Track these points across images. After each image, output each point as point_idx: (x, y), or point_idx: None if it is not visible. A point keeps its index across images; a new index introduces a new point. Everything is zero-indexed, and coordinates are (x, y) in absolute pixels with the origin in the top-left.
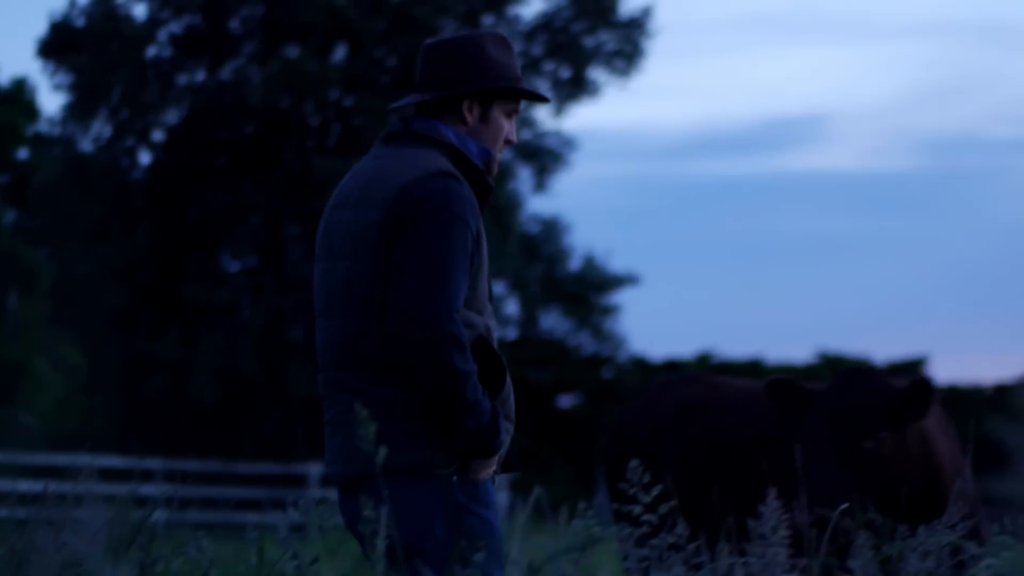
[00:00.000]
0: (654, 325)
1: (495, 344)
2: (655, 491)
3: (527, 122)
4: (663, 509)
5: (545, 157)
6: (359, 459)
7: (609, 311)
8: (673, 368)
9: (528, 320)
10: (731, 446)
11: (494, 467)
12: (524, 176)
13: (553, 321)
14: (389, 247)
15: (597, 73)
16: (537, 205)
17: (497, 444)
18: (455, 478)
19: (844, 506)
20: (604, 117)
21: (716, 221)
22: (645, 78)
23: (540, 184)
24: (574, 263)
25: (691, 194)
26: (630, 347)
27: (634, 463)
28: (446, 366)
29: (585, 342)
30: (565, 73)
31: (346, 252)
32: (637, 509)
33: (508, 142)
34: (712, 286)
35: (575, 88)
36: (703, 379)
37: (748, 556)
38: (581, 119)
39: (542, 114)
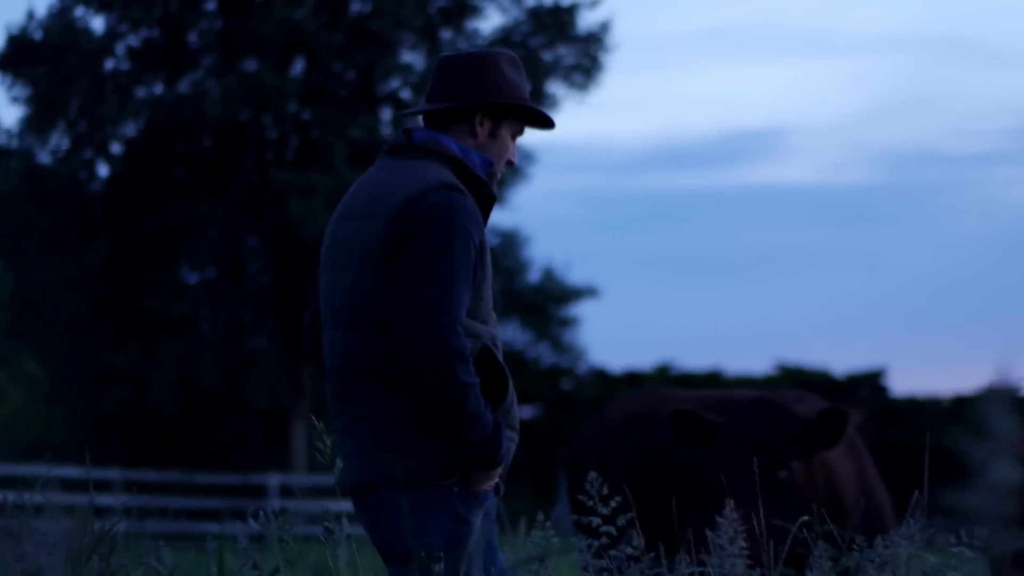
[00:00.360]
0: (614, 337)
1: (500, 354)
2: (613, 503)
3: None
4: (622, 521)
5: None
6: (364, 469)
7: (568, 323)
8: (633, 379)
9: None
10: (671, 455)
11: (495, 479)
12: None
13: (512, 333)
14: (392, 259)
15: (556, 87)
16: (496, 218)
17: (499, 457)
18: (456, 489)
19: (804, 518)
20: (564, 131)
21: (675, 234)
22: (604, 92)
23: (499, 197)
24: (533, 275)
25: (650, 207)
26: (589, 359)
27: (592, 475)
28: (448, 379)
29: (544, 354)
30: None
31: (350, 264)
32: (596, 520)
33: (510, 163)
34: (672, 298)
35: (534, 102)
36: (659, 392)
37: (706, 567)
38: (540, 133)
39: None
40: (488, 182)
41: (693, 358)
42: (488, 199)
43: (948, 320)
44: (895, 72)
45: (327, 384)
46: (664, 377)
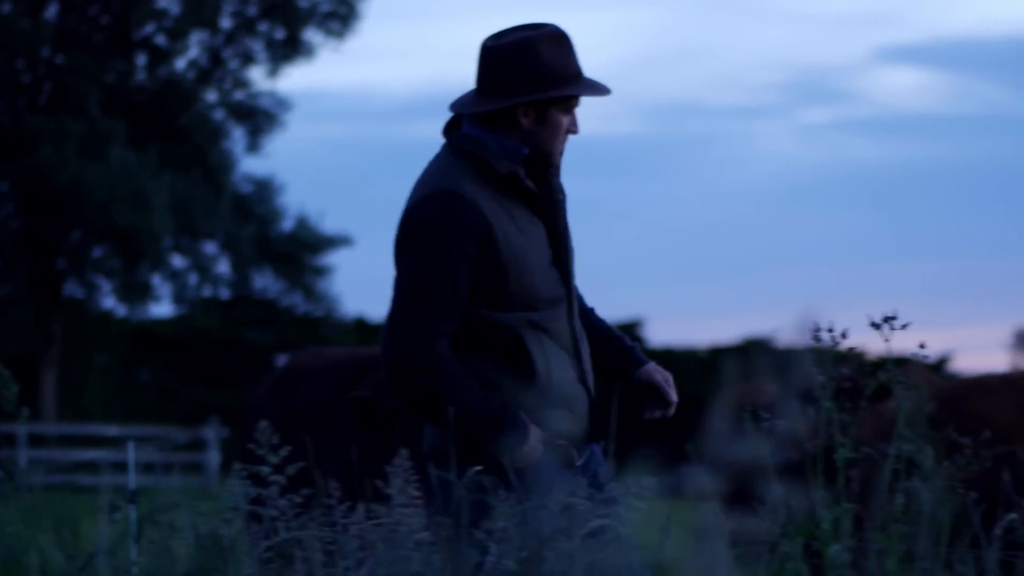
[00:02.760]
0: (376, 286)
1: (553, 336)
2: (284, 452)
3: (240, 82)
4: (291, 470)
5: (259, 117)
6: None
7: (321, 272)
8: None
9: (240, 280)
10: (314, 408)
11: (534, 454)
12: (237, 136)
13: (265, 281)
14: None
15: (312, 34)
16: (250, 166)
17: (512, 437)
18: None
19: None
20: (325, 79)
21: None
22: (370, 40)
23: (253, 145)
24: (287, 224)
25: (416, 157)
26: (343, 308)
27: (263, 424)
28: (416, 394)
29: (299, 302)
30: (279, 34)
31: None
32: (265, 470)
33: (571, 132)
34: None
35: (290, 49)
36: (314, 351)
37: (379, 518)
38: (306, 81)
39: (256, 74)
40: (544, 164)
41: None
42: (522, 189)
43: (708, 271)
44: (660, 25)
45: None
46: None
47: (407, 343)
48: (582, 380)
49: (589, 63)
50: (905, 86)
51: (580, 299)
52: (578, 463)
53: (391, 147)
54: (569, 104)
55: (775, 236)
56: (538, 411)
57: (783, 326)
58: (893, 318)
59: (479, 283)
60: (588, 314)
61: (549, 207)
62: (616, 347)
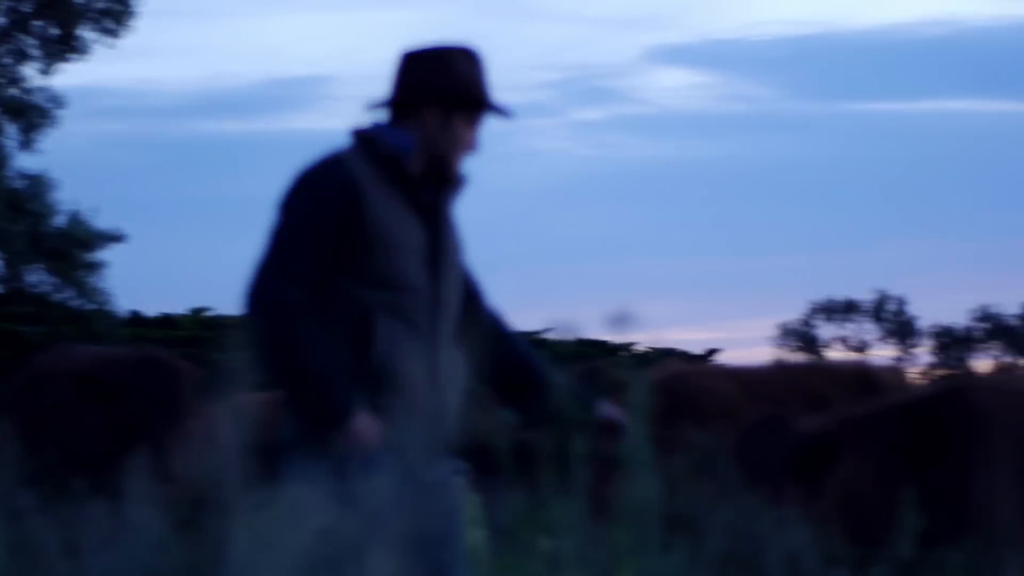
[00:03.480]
0: (150, 282)
1: (409, 315)
2: (21, 449)
3: (14, 79)
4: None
5: (32, 114)
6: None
7: (94, 267)
8: (167, 322)
9: (13, 275)
10: (58, 406)
11: (361, 438)
12: (11, 133)
13: (39, 276)
14: None
15: (86, 32)
16: (25, 162)
17: (334, 414)
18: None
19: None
20: (101, 76)
21: (219, 180)
22: (147, 38)
23: (27, 142)
24: (60, 220)
25: (193, 153)
26: (116, 303)
27: (4, 422)
28: (259, 334)
29: (72, 298)
30: (53, 31)
31: None
32: (5, 467)
33: (470, 149)
34: (211, 244)
35: (64, 46)
36: (60, 351)
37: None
38: (81, 78)
39: (29, 71)
40: (436, 164)
41: (230, 305)
42: (406, 176)
43: (477, 269)
44: (436, 23)
45: None
46: (198, 320)
47: (258, 284)
48: (435, 382)
49: (365, 60)
50: (676, 86)
51: (523, 352)
52: (426, 474)
53: (165, 144)
54: (472, 117)
55: (547, 233)
56: (373, 394)
57: (548, 322)
58: (629, 315)
59: (343, 248)
60: (537, 365)
61: (434, 213)
62: (565, 394)
